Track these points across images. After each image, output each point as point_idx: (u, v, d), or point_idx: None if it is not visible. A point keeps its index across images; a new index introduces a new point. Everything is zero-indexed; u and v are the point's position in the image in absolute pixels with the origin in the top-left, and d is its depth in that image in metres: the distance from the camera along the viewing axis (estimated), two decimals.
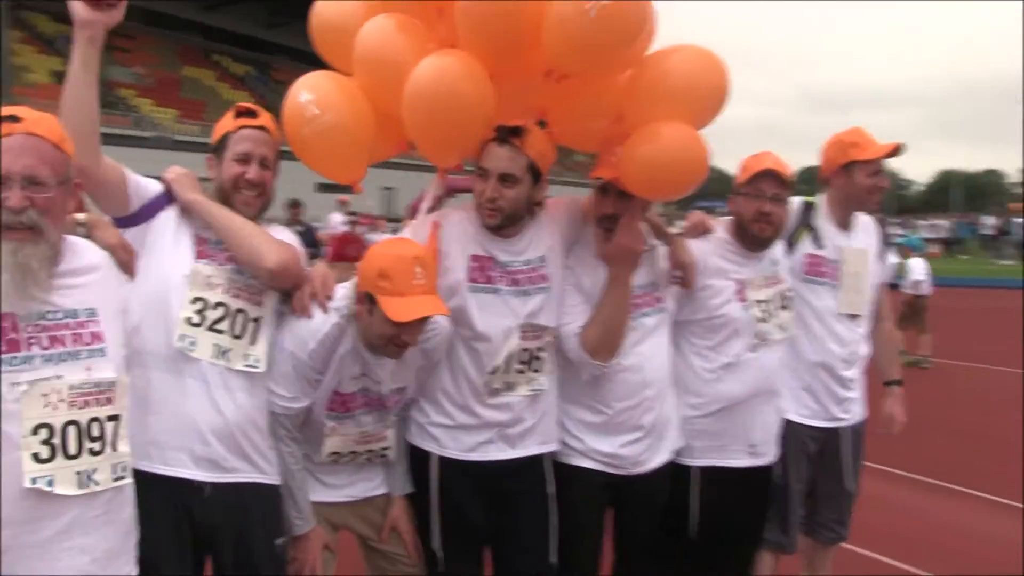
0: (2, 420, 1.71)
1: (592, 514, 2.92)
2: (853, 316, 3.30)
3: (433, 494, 2.71)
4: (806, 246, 3.29)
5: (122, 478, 1.90)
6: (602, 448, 2.84)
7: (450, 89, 2.33)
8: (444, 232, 2.69)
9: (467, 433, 2.70)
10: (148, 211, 2.36)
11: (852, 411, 3.38)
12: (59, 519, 1.78)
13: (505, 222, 2.65)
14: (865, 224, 3.45)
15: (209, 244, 2.40)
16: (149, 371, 2.27)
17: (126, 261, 2.15)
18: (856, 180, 3.24)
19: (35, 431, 1.75)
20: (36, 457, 1.74)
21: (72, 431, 1.80)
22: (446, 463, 2.70)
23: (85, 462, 1.82)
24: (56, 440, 1.77)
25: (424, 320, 2.39)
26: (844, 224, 3.35)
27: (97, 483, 1.83)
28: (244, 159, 2.41)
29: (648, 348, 2.85)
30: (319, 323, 2.44)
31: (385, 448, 2.70)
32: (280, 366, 2.46)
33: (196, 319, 2.31)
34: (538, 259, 2.74)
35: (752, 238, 3.03)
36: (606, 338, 2.74)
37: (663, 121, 2.51)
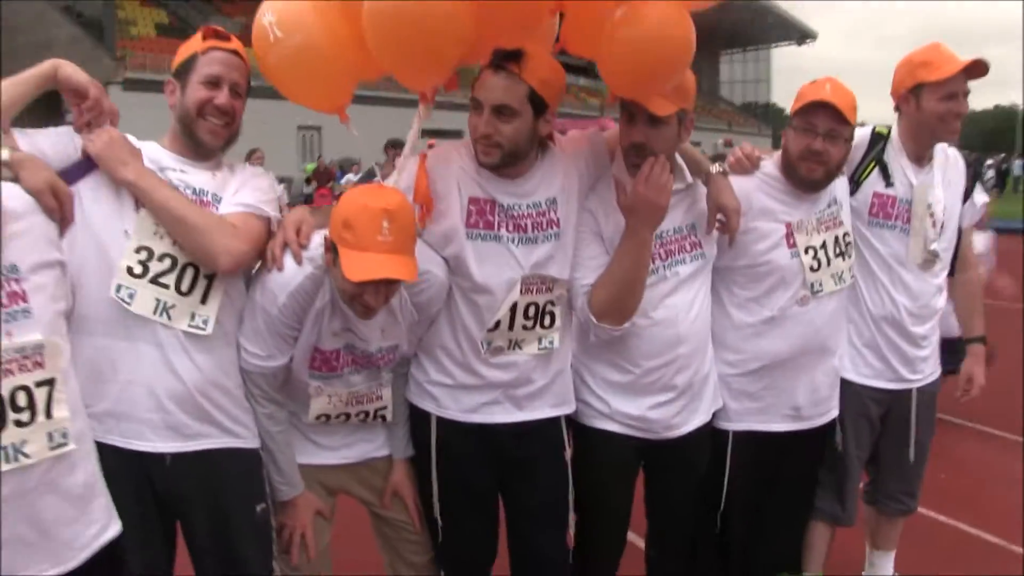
0: None
1: (618, 484, 2.67)
2: (926, 264, 2.86)
3: (433, 458, 2.50)
4: (873, 183, 2.86)
5: (62, 445, 1.78)
6: (629, 410, 2.58)
7: (414, 8, 1.96)
8: (440, 171, 2.38)
9: (468, 393, 2.47)
10: (73, 174, 2.09)
11: (923, 371, 2.96)
12: None
13: (505, 161, 2.32)
14: (949, 158, 2.98)
15: None
16: (96, 338, 2.07)
17: (54, 207, 1.91)
18: (925, 105, 2.77)
19: None
20: None
21: None
22: (446, 425, 2.48)
23: (12, 435, 1.69)
24: None
25: (389, 283, 2.10)
26: (919, 158, 2.89)
27: (28, 455, 1.72)
28: (214, 83, 2.17)
29: (682, 299, 2.54)
30: (291, 275, 2.19)
31: (381, 409, 2.48)
32: (251, 321, 2.25)
33: (138, 269, 2.08)
34: (547, 201, 2.43)
35: (801, 178, 2.66)
36: (616, 301, 2.43)
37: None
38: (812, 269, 2.67)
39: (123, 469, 2.07)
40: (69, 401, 1.82)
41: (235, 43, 2.24)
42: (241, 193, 2.24)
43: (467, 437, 2.47)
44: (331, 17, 2.13)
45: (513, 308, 2.39)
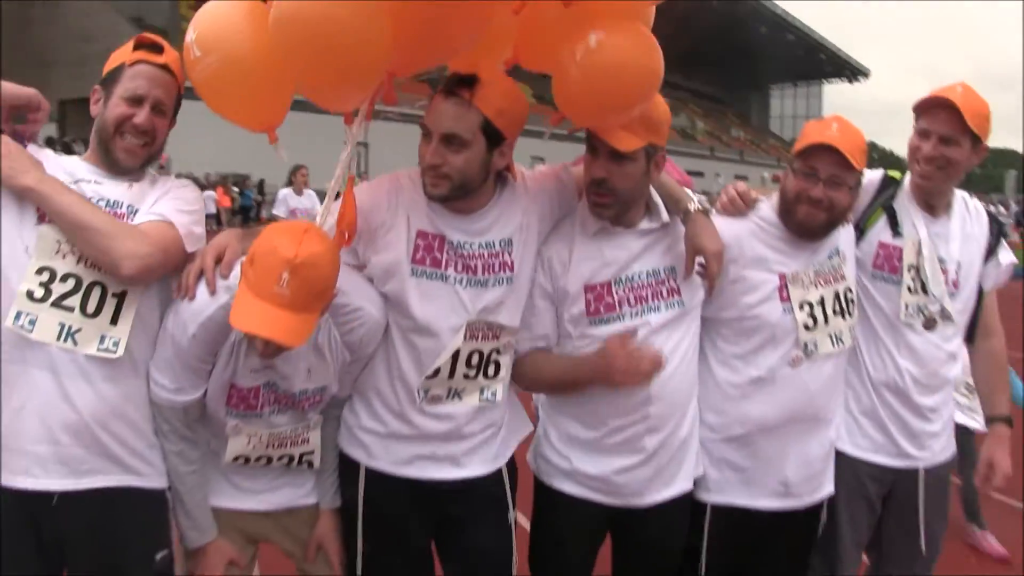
0: None
1: (578, 552, 2.42)
2: (933, 325, 2.52)
3: (360, 511, 2.26)
4: (879, 232, 2.55)
5: None
6: (592, 471, 2.32)
7: (318, 14, 1.70)
8: (389, 198, 2.20)
9: (401, 444, 2.24)
10: None
11: (931, 448, 2.60)
12: None
13: (453, 194, 2.12)
14: (970, 210, 2.65)
15: None
16: (7, 360, 1.92)
17: None
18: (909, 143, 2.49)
19: None
20: None
21: None
22: (376, 477, 2.25)
23: None
24: None
25: (279, 348, 1.91)
26: (931, 207, 2.57)
27: None
28: (136, 100, 2.03)
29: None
30: (203, 304, 1.99)
31: (307, 454, 2.25)
32: (161, 349, 2.05)
33: (39, 293, 1.92)
34: (502, 242, 2.22)
35: (798, 224, 2.37)
36: (541, 389, 2.42)
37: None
38: (806, 327, 2.37)
39: (8, 513, 1.92)
40: None
41: (168, 55, 2.10)
42: (159, 203, 2.07)
43: (398, 492, 2.24)
44: (258, 32, 1.90)
45: (455, 355, 2.17)
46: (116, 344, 1.96)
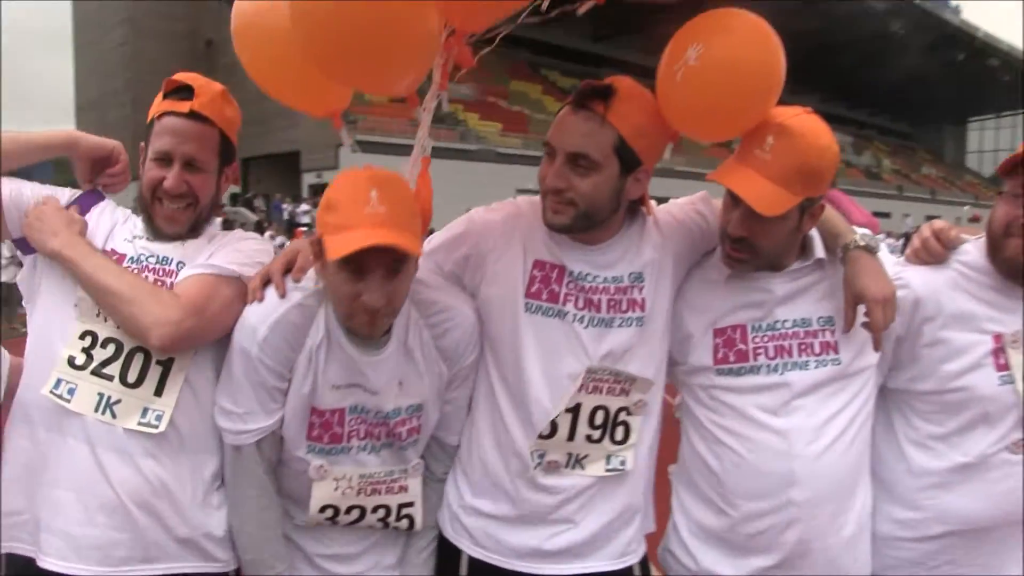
0: None
1: None
2: None
3: None
4: None
5: None
6: (722, 573, 1.94)
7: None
8: (506, 222, 1.97)
9: (511, 528, 1.93)
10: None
11: None
12: None
13: (577, 223, 1.85)
14: None
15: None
16: (36, 428, 1.80)
17: None
18: None
19: None
20: None
21: None
22: (480, 569, 1.95)
23: None
24: None
25: (391, 275, 1.68)
26: None
27: None
28: (162, 160, 1.86)
29: (801, 421, 1.88)
30: (272, 305, 1.79)
31: (407, 506, 1.94)
32: (227, 370, 1.84)
33: (81, 359, 1.79)
34: (631, 276, 1.93)
35: (1008, 263, 1.90)
36: None
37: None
38: None
39: None
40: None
41: (198, 99, 1.87)
42: (213, 256, 1.90)
43: None
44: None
45: (576, 411, 1.88)
46: (159, 418, 1.79)
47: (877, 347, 1.89)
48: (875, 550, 2.01)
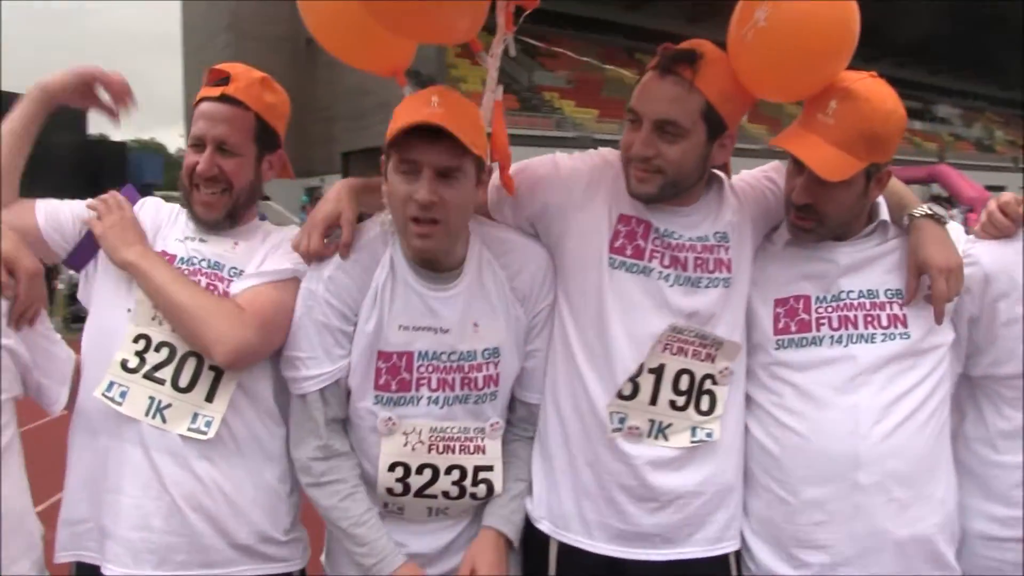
0: None
1: None
2: None
3: None
4: None
5: None
6: (780, 572, 1.89)
7: None
8: (595, 175, 1.95)
9: (594, 505, 1.88)
10: (83, 255, 1.93)
11: None
12: None
13: (663, 192, 1.85)
14: None
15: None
16: (97, 435, 1.84)
17: (4, 283, 1.69)
18: None
19: None
20: None
21: None
22: (569, 555, 1.90)
23: None
24: None
25: (443, 178, 1.68)
26: None
27: None
28: (196, 144, 1.89)
29: (867, 399, 1.84)
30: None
31: (484, 469, 1.88)
32: (295, 316, 1.86)
33: (134, 363, 1.82)
34: (717, 236, 1.92)
35: None
36: None
37: None
38: None
39: None
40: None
41: (235, 85, 1.89)
42: (267, 261, 1.93)
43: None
44: None
45: (659, 372, 1.85)
46: (208, 424, 1.80)
47: (939, 319, 1.85)
48: (969, 550, 1.93)
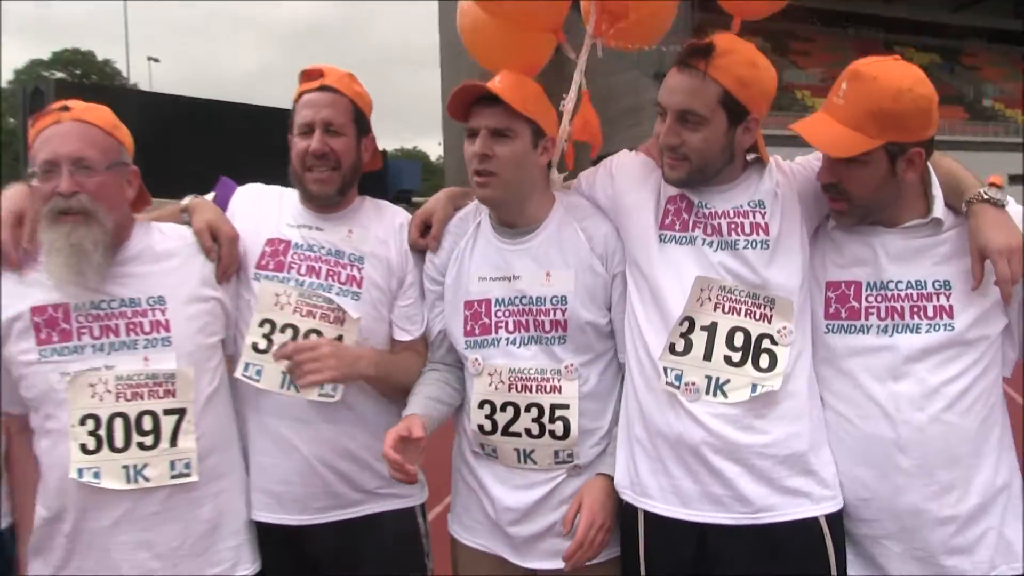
0: (55, 409, 1.82)
1: None
2: None
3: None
4: None
5: (184, 475, 1.89)
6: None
7: None
8: (646, 163, 2.13)
9: (664, 465, 1.92)
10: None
11: None
12: (111, 511, 1.84)
13: (692, 177, 1.96)
14: None
15: (277, 254, 2.13)
16: (246, 407, 2.13)
17: (210, 247, 2.03)
18: None
19: (82, 421, 1.82)
20: (84, 448, 1.82)
21: (119, 423, 1.83)
22: (656, 526, 1.94)
23: (133, 456, 1.83)
24: (102, 432, 1.82)
25: (495, 136, 1.97)
26: None
27: (147, 479, 1.84)
28: (305, 130, 2.10)
29: (910, 387, 1.86)
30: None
31: (560, 407, 2.00)
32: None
33: (263, 344, 2.07)
34: (752, 203, 1.99)
35: None
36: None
37: None
38: None
39: (261, 536, 2.13)
40: (203, 435, 1.94)
41: (329, 77, 2.14)
42: (405, 293, 2.21)
43: (683, 544, 1.92)
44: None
45: (711, 330, 1.91)
46: (335, 388, 2.05)
47: (1007, 300, 1.85)
48: None
